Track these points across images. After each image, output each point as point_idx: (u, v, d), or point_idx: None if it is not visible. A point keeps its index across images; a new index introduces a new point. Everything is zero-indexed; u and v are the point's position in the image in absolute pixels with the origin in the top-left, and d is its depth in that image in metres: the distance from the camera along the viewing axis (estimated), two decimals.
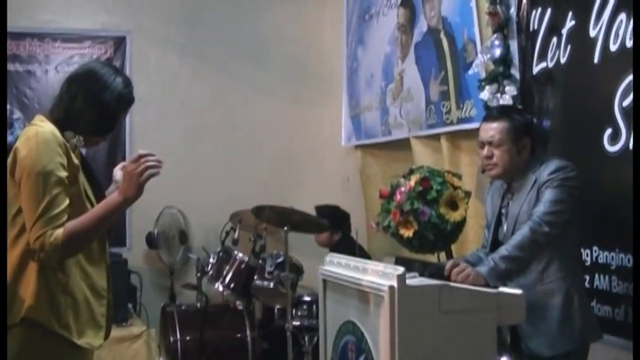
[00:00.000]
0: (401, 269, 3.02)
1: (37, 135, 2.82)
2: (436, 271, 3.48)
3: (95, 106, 2.93)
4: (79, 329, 2.89)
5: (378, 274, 3.13)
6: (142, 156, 2.84)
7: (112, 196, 2.87)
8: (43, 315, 2.81)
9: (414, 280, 3.18)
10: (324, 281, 3.62)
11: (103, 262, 3.04)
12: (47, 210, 2.75)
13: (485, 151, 3.69)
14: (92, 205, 2.93)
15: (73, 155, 2.88)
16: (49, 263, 2.79)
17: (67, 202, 2.80)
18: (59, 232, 2.75)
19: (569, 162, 3.60)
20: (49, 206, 2.75)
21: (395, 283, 2.98)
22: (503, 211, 3.75)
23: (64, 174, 2.80)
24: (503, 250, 3.45)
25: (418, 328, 3.01)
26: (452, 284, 3.22)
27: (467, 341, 3.06)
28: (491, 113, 3.85)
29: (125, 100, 3.03)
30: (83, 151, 3.12)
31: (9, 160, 2.85)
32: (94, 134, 3.01)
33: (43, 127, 2.87)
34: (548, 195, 3.49)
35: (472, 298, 3.12)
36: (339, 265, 3.54)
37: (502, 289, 3.27)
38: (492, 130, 3.67)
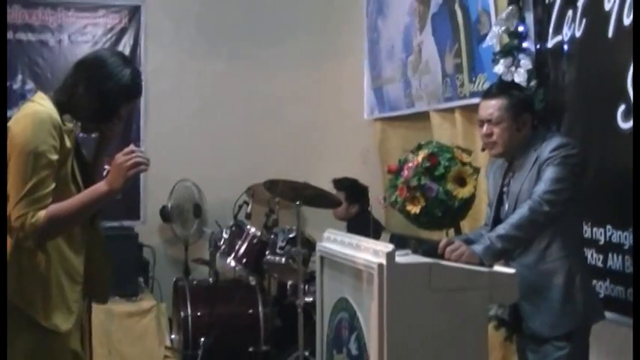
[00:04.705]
0: (390, 247, 3.02)
1: (34, 114, 2.84)
2: (430, 249, 3.43)
3: (95, 95, 2.92)
4: (46, 311, 2.86)
5: (371, 252, 3.15)
6: (133, 151, 2.85)
7: (98, 184, 2.88)
8: (8, 288, 2.80)
9: (406, 257, 3.18)
10: (322, 258, 3.66)
11: (83, 249, 3.03)
12: (33, 191, 2.75)
13: (485, 128, 3.64)
14: (79, 190, 2.93)
15: (67, 139, 2.88)
16: (26, 243, 2.79)
17: (53, 185, 2.81)
18: (41, 213, 2.76)
19: (570, 139, 3.53)
20: (35, 187, 2.76)
21: (384, 261, 2.98)
22: (504, 189, 3.70)
23: (54, 157, 2.81)
24: (500, 229, 3.39)
25: (408, 306, 3.02)
26: (443, 262, 3.19)
27: (457, 319, 3.07)
28: (490, 90, 3.78)
29: (129, 92, 3.01)
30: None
31: None
32: (91, 121, 3.00)
33: (43, 105, 2.88)
34: (549, 173, 3.43)
35: (463, 277, 3.12)
36: (335, 242, 3.58)
37: (496, 267, 3.23)
38: (491, 107, 3.61)
